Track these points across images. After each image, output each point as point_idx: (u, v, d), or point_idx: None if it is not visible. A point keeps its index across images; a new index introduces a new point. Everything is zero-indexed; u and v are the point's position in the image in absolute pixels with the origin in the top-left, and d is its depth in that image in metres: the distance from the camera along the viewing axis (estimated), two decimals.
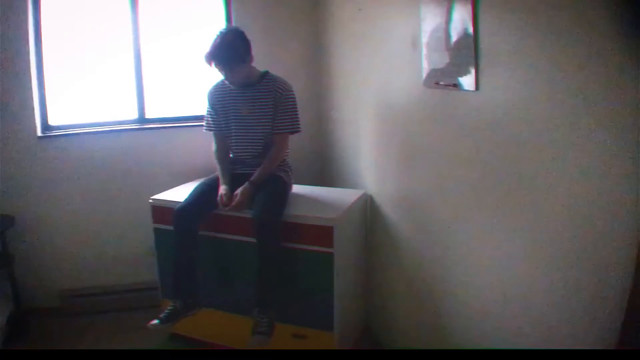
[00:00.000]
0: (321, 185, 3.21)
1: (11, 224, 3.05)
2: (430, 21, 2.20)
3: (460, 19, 2.03)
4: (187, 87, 3.50)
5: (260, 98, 2.72)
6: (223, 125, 2.83)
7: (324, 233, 2.51)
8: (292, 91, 2.73)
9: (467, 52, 2.01)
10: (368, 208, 2.90)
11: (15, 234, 3.09)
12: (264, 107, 2.71)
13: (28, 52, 3.07)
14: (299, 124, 2.75)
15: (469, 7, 1.96)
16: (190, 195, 2.69)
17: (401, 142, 2.53)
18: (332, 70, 3.37)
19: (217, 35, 2.60)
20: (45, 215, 3.24)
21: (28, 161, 3.16)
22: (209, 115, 2.87)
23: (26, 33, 3.06)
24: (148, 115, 3.43)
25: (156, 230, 2.91)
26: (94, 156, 3.26)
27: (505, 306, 1.93)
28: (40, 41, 3.14)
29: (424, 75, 2.26)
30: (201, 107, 3.03)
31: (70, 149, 3.23)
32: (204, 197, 2.69)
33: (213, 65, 2.60)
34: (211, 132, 2.89)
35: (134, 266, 3.35)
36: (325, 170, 3.55)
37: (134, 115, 3.40)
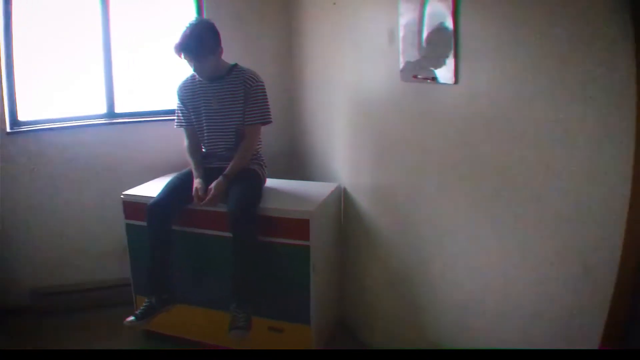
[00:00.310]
0: (293, 179, 3.18)
1: None
2: (407, 16, 2.22)
3: (438, 13, 2.06)
4: (157, 80, 3.44)
5: (229, 90, 2.69)
6: (194, 120, 2.80)
7: (300, 226, 2.51)
8: (261, 82, 2.70)
9: (446, 45, 2.04)
10: (342, 200, 2.91)
11: None
12: (234, 99, 2.69)
13: (10, 44, 3.00)
14: (269, 115, 2.72)
15: (449, 2, 1.98)
16: (164, 190, 2.65)
17: (377, 134, 2.55)
18: (304, 64, 3.36)
19: (187, 27, 2.57)
20: (15, 213, 3.15)
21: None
22: (179, 111, 2.84)
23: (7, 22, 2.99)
24: (117, 110, 3.35)
25: (128, 226, 2.86)
26: (63, 152, 3.18)
27: (486, 298, 1.96)
28: (11, 33, 3.04)
29: (401, 69, 2.28)
30: (171, 102, 2.98)
31: (40, 144, 3.15)
32: (177, 192, 2.66)
33: (182, 56, 2.57)
34: (182, 128, 2.85)
35: (106, 263, 3.30)
36: (297, 163, 3.53)
37: (103, 109, 3.32)
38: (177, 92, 2.82)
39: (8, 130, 3.10)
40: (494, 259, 1.90)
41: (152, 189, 2.87)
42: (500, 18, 1.79)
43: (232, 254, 2.51)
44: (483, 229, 1.95)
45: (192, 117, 2.80)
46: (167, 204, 2.60)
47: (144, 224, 2.68)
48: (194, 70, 2.64)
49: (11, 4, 3.03)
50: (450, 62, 2.02)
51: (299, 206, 2.58)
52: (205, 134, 2.78)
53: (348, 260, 2.93)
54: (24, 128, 3.15)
